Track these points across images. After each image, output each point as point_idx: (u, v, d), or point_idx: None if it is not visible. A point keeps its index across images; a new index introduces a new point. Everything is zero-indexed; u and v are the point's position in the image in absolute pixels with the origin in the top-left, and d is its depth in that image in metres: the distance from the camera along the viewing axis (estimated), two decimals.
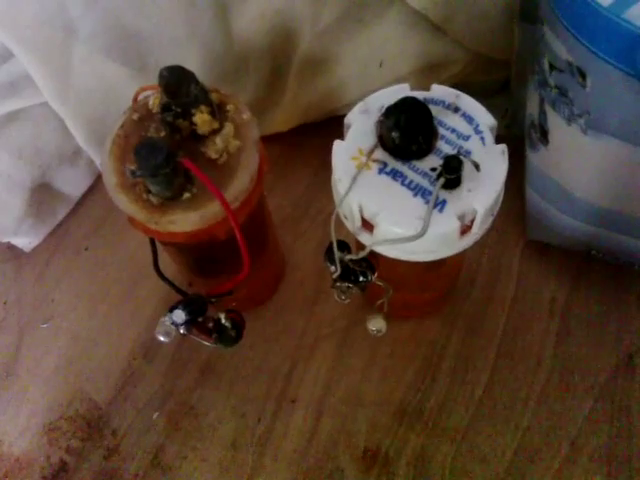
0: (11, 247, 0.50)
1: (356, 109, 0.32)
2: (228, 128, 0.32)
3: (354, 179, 0.30)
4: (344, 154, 0.31)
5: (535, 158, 0.40)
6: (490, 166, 0.30)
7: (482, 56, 0.45)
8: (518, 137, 0.43)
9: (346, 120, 0.32)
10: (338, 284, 0.34)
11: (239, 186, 0.32)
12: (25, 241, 0.48)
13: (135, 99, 0.34)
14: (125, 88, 0.42)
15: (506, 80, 0.48)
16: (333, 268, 0.33)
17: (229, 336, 0.35)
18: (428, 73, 0.45)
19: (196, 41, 0.43)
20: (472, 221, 0.30)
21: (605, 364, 0.43)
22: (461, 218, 0.29)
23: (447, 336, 0.44)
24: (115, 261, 0.49)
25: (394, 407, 0.42)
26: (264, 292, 0.46)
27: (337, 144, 0.31)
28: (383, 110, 0.30)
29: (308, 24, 0.44)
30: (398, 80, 0.44)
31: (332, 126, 0.49)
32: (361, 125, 0.31)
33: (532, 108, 0.39)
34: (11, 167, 0.44)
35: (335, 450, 0.42)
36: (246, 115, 0.33)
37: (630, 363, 0.43)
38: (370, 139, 0.31)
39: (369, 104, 0.32)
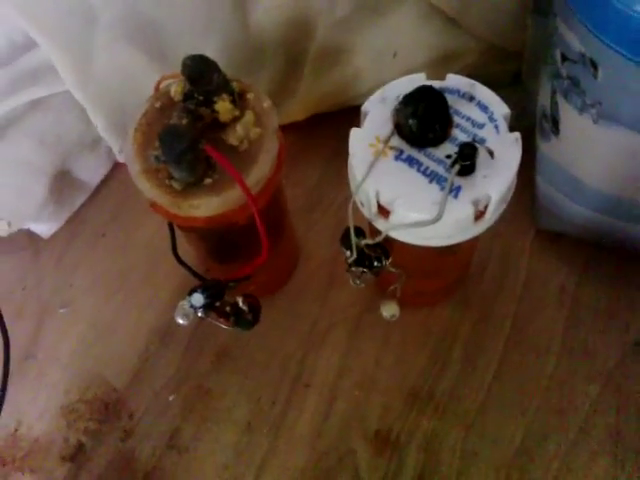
0: (30, 234, 0.50)
1: (373, 97, 0.33)
2: (249, 116, 0.33)
3: (371, 166, 0.31)
4: (361, 141, 0.32)
5: (546, 148, 0.41)
6: (504, 153, 0.30)
7: (495, 47, 0.46)
8: (528, 128, 0.43)
9: (363, 108, 0.33)
10: (353, 269, 0.35)
11: (259, 172, 0.33)
12: (44, 228, 0.49)
13: (157, 87, 0.35)
14: (144, 77, 0.43)
15: (518, 71, 0.48)
16: (349, 253, 0.34)
17: (246, 320, 0.36)
18: (441, 64, 0.46)
19: (214, 31, 0.44)
20: (486, 207, 0.31)
21: (613, 351, 0.44)
22: (475, 204, 0.30)
23: (458, 323, 0.45)
24: (132, 247, 0.50)
25: (406, 392, 0.43)
26: (279, 279, 0.47)
27: (354, 131, 0.32)
28: (400, 98, 0.31)
29: (324, 15, 0.44)
30: (412, 70, 0.44)
31: (345, 116, 0.50)
32: (378, 113, 0.32)
33: (544, 99, 0.39)
34: (33, 154, 0.45)
35: (348, 433, 0.42)
36: (266, 103, 0.34)
37: (637, 350, 0.44)
38: (387, 127, 0.32)
39: (386, 92, 0.33)
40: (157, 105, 0.35)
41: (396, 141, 0.31)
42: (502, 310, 0.45)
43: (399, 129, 0.31)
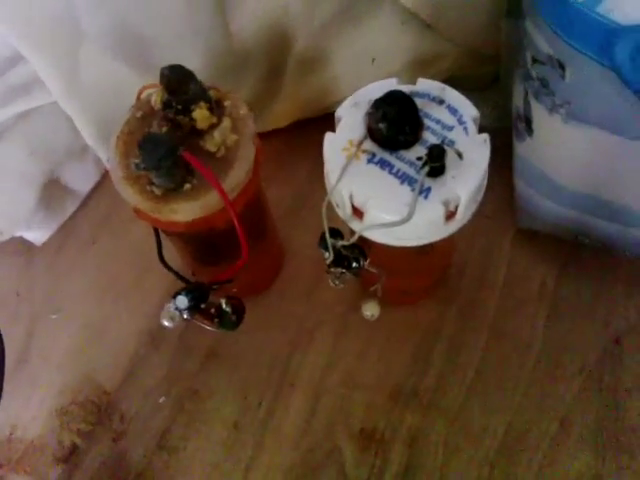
0: (23, 240, 0.52)
1: (346, 102, 0.34)
2: (226, 123, 0.34)
3: (344, 169, 0.32)
4: (335, 145, 0.33)
5: (521, 148, 0.42)
6: (473, 154, 0.31)
7: (472, 51, 0.47)
8: (509, 128, 0.44)
9: (337, 113, 0.34)
10: (332, 269, 0.36)
11: (236, 177, 0.34)
12: (36, 235, 0.51)
13: (138, 97, 0.36)
14: (131, 87, 0.44)
15: (496, 75, 0.49)
16: (327, 254, 0.35)
17: (230, 321, 0.37)
18: (419, 68, 0.47)
19: (197, 41, 0.45)
20: (456, 207, 0.32)
21: (593, 346, 0.44)
22: (445, 204, 0.31)
23: (440, 320, 0.46)
24: (122, 253, 0.51)
25: (390, 389, 0.44)
26: (264, 279, 0.48)
27: (328, 136, 0.33)
28: (371, 103, 0.32)
29: (302, 23, 0.45)
30: (390, 75, 0.45)
31: (330, 121, 0.51)
32: (351, 118, 0.33)
33: (518, 99, 0.40)
34: (23, 164, 0.47)
35: (333, 430, 0.43)
36: (243, 110, 0.35)
37: (617, 345, 0.44)
38: (359, 131, 0.33)
39: (358, 98, 0.34)
40: (138, 114, 0.36)
41: (368, 144, 0.32)
42: (483, 307, 0.46)
43: (371, 133, 0.32)
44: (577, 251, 0.47)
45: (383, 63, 0.47)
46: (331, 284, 0.36)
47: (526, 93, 0.38)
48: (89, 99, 0.44)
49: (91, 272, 0.51)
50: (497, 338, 0.45)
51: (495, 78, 0.50)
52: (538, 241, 0.48)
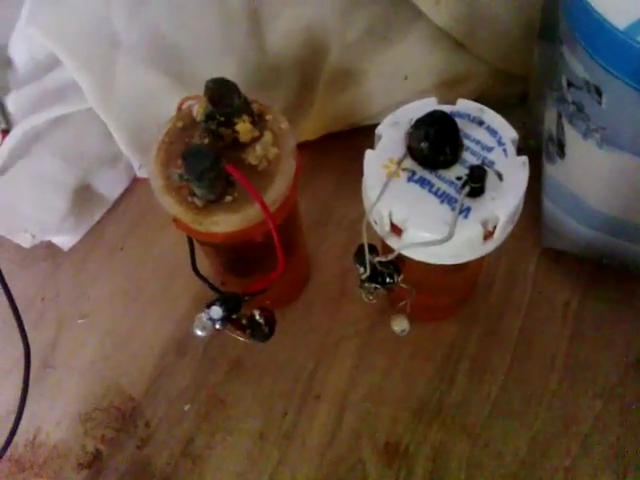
0: (49, 245, 0.52)
1: (387, 121, 0.34)
2: (267, 136, 0.35)
3: (384, 186, 0.32)
4: (375, 163, 0.33)
5: (552, 170, 0.42)
6: (512, 176, 0.32)
7: (502, 71, 0.48)
8: (534, 149, 0.45)
9: (377, 131, 0.34)
10: (366, 285, 0.36)
11: (277, 191, 0.34)
12: (64, 240, 0.51)
13: (179, 108, 0.37)
14: (164, 97, 0.45)
15: (524, 94, 0.50)
16: (362, 269, 0.35)
17: (262, 332, 0.37)
18: (450, 86, 0.48)
19: (231, 54, 0.45)
20: (494, 227, 0.32)
21: (615, 367, 0.45)
22: (484, 224, 0.31)
23: (465, 338, 0.46)
24: (149, 260, 0.52)
25: (414, 404, 0.45)
26: (291, 292, 0.49)
27: (369, 153, 0.33)
28: (413, 122, 0.32)
29: (336, 39, 0.46)
30: (421, 93, 0.46)
31: (357, 135, 0.52)
32: (391, 136, 0.34)
33: (550, 122, 0.41)
34: (56, 169, 0.47)
35: (357, 444, 0.44)
36: (284, 125, 0.36)
37: (639, 367, 0.45)
38: (400, 149, 0.33)
39: (398, 116, 0.34)
40: (179, 125, 0.36)
41: (409, 163, 0.33)
42: (508, 325, 0.47)
43: (412, 151, 0.33)
44: (601, 273, 0.48)
45: (414, 81, 0.47)
46: (364, 299, 0.37)
47: (559, 116, 0.39)
48: (124, 106, 0.45)
49: (118, 278, 0.51)
50: (521, 356, 0.45)
51: (522, 98, 0.51)
52: (563, 262, 0.48)
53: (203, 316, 0.36)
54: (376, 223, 0.34)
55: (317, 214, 0.52)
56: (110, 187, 0.52)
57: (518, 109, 0.50)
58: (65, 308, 0.51)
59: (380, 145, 0.34)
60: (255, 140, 0.35)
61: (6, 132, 0.48)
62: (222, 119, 0.34)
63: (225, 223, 0.34)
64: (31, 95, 0.47)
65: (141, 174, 0.51)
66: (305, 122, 0.50)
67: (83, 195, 0.50)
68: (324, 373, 0.46)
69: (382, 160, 0.33)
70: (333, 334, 0.47)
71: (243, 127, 0.34)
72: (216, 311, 0.36)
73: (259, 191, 0.33)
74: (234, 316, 0.37)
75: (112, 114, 0.45)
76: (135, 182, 0.54)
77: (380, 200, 0.32)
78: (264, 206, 0.33)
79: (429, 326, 0.47)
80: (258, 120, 0.35)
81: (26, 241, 0.48)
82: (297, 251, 0.45)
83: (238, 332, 0.37)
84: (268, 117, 0.36)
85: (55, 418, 0.47)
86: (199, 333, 0.36)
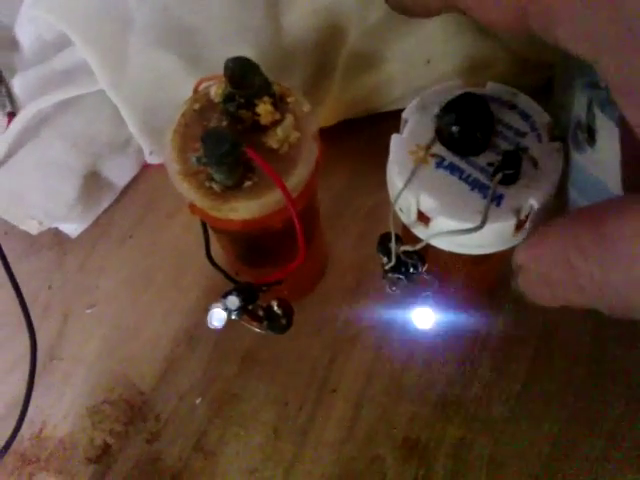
0: (56, 234, 0.50)
1: (413, 104, 0.33)
2: (289, 119, 0.33)
3: (412, 173, 0.31)
4: (402, 148, 0.31)
5: (580, 159, 0.41)
6: (546, 163, 0.30)
7: (526, 58, 0.46)
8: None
9: (404, 115, 0.33)
10: (389, 275, 0.35)
11: (299, 176, 0.33)
12: (72, 227, 0.49)
13: (196, 89, 0.35)
14: (177, 79, 0.43)
15: (547, 81, 0.48)
16: (386, 260, 0.34)
17: (280, 323, 0.36)
18: (473, 72, 0.46)
19: (247, 36, 0.44)
20: (527, 216, 0.31)
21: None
22: (517, 213, 0.30)
23: (487, 332, 0.45)
24: (158, 250, 0.50)
25: (434, 399, 0.43)
26: (308, 284, 0.47)
27: (395, 138, 0.32)
28: (443, 105, 0.31)
29: (356, 21, 0.44)
30: (443, 78, 0.45)
31: (373, 122, 0.50)
32: (418, 120, 0.32)
33: (579, 109, 0.39)
34: (65, 154, 0.45)
35: (375, 439, 0.42)
36: (306, 107, 0.34)
37: None
38: (428, 134, 0.31)
39: (426, 100, 0.33)
40: (196, 107, 0.34)
41: (437, 148, 0.31)
42: (531, 320, 0.45)
43: (441, 136, 0.31)
44: None
45: (437, 65, 0.46)
46: (388, 290, 0.35)
47: (590, 102, 0.37)
48: (136, 89, 0.44)
49: (126, 268, 0.50)
50: (544, 353, 0.44)
51: (545, 85, 0.49)
52: None
53: (219, 306, 0.35)
54: (402, 211, 0.33)
55: (332, 203, 0.50)
56: (119, 173, 0.50)
57: (542, 96, 0.49)
58: (72, 298, 0.49)
59: (407, 129, 0.32)
60: (276, 123, 0.33)
61: (12, 115, 0.47)
62: (242, 100, 0.32)
63: (244, 210, 0.32)
64: (39, 77, 0.46)
65: (151, 160, 0.49)
66: (321, 108, 0.49)
67: (92, 181, 0.48)
68: (340, 366, 0.45)
69: (409, 146, 0.31)
70: (350, 327, 0.46)
71: (264, 109, 0.32)
72: (233, 301, 0.34)
73: (280, 176, 0.32)
74: (250, 307, 0.36)
75: (124, 96, 0.43)
76: (144, 169, 0.52)
77: (407, 187, 0.31)
78: (286, 192, 0.31)
79: (450, 318, 0.45)
80: (279, 102, 0.34)
81: (33, 228, 0.47)
82: (315, 240, 0.43)
83: (254, 323, 0.36)
84: (289, 99, 0.34)
85: (62, 411, 0.45)
86: (215, 324, 0.35)
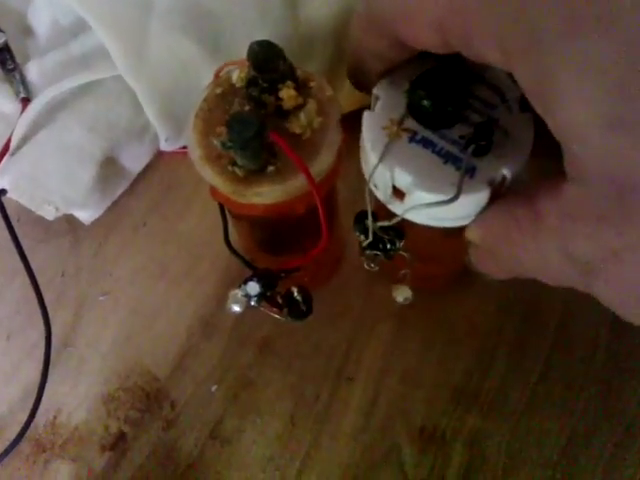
0: (70, 220, 0.50)
1: (384, 80, 0.32)
2: (312, 104, 0.33)
3: (385, 148, 0.30)
4: (375, 124, 0.31)
5: None
6: (517, 133, 0.30)
7: None
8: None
9: (374, 91, 0.32)
10: (367, 252, 0.35)
11: (323, 162, 0.32)
12: (87, 214, 0.49)
13: (217, 74, 0.35)
14: (196, 65, 0.43)
15: None
16: (363, 237, 0.34)
17: (300, 310, 0.36)
18: None
19: (265, 23, 0.44)
20: (500, 186, 0.30)
21: None
22: (490, 183, 0.29)
23: (503, 322, 0.45)
24: (174, 237, 0.50)
25: (451, 389, 0.43)
26: (326, 272, 0.47)
27: (367, 114, 0.31)
28: (413, 79, 0.31)
29: None
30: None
31: None
32: (390, 95, 0.31)
33: None
34: (83, 140, 0.45)
35: (392, 428, 0.42)
36: (329, 92, 0.34)
37: None
38: (399, 109, 0.31)
39: (396, 75, 0.32)
40: (218, 91, 0.34)
41: (410, 123, 0.31)
42: (547, 310, 0.45)
43: (412, 111, 0.31)
44: None
45: None
46: (366, 267, 0.36)
47: None
48: (154, 75, 0.43)
49: (141, 256, 0.49)
50: (561, 343, 0.44)
51: None
52: None
53: (238, 292, 0.35)
54: (377, 188, 0.32)
55: (347, 192, 0.50)
56: (134, 160, 0.50)
57: None
58: (86, 285, 0.49)
59: (379, 105, 0.31)
60: (298, 108, 0.33)
61: (26, 100, 0.46)
62: (265, 85, 0.32)
63: (268, 194, 0.32)
64: (55, 62, 0.46)
65: (166, 147, 0.49)
66: (339, 95, 0.48)
67: (108, 167, 0.48)
68: (357, 355, 0.45)
69: (383, 121, 0.31)
70: (367, 315, 0.46)
71: (287, 93, 0.32)
72: (253, 287, 0.34)
73: (304, 161, 0.31)
74: (269, 293, 0.35)
75: (142, 82, 0.43)
76: (159, 156, 0.52)
77: (381, 163, 0.30)
78: (310, 178, 0.31)
79: (466, 310, 0.45)
80: (302, 87, 0.33)
81: (49, 214, 0.46)
82: (334, 228, 0.43)
83: (274, 310, 0.36)
84: (312, 84, 0.34)
85: (77, 399, 0.45)
86: (235, 309, 0.35)
